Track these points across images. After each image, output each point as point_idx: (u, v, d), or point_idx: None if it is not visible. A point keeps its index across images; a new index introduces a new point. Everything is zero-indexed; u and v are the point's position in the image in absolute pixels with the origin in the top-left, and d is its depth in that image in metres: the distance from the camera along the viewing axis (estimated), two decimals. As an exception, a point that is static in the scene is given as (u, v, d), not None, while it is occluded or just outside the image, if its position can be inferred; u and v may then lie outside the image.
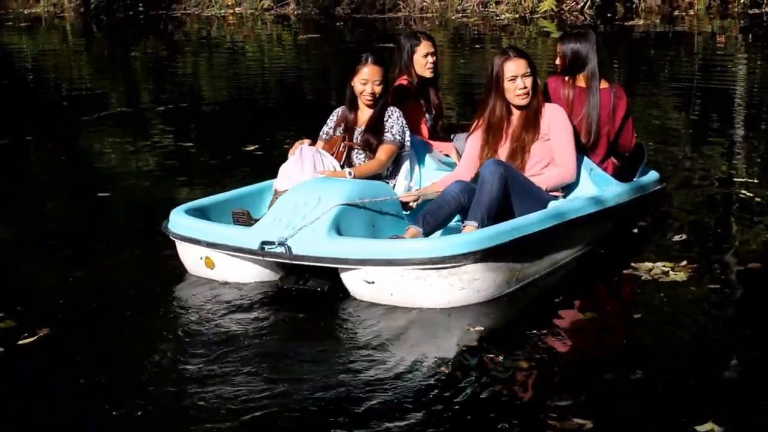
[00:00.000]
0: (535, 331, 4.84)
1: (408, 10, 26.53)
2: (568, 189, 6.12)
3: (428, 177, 6.46)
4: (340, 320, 5.10)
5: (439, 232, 5.67)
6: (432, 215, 5.55)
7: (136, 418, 4.01)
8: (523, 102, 5.96)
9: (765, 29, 20.79)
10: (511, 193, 5.64)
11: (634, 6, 24.44)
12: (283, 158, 6.12)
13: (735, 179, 7.96)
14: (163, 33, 25.03)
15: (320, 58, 19.31)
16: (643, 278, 5.59)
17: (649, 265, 5.76)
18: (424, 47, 6.82)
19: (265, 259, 5.34)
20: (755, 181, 7.85)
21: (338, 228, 5.30)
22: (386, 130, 6.20)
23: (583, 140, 6.30)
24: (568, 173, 5.99)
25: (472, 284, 5.17)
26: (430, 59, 6.86)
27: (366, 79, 6.17)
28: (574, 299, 5.41)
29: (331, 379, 4.34)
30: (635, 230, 6.50)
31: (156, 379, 4.37)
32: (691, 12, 23.83)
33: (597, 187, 6.15)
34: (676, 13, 23.96)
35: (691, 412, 3.91)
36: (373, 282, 5.15)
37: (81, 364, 4.58)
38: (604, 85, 6.41)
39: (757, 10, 23.40)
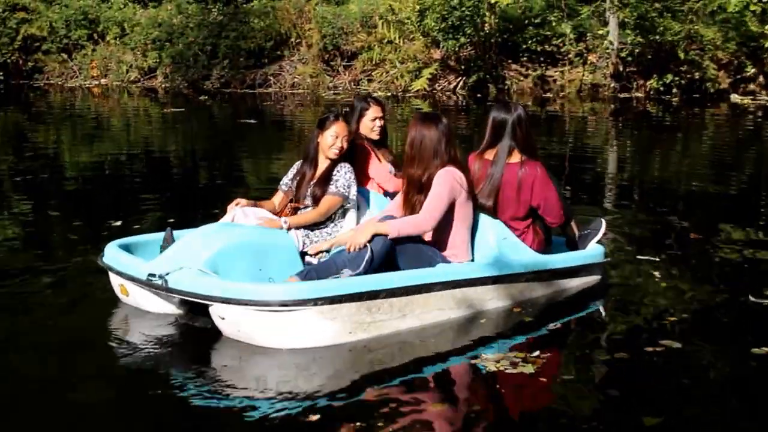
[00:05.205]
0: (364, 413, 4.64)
1: (279, 86, 26.30)
2: (474, 253, 6.21)
3: None
4: (200, 351, 5.56)
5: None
6: (317, 273, 5.81)
7: None
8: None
9: (634, 114, 21.10)
10: (399, 262, 5.96)
11: (506, 88, 24.66)
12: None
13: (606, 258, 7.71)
14: (24, 103, 24.14)
15: (185, 133, 18.72)
16: (488, 369, 5.24)
17: (500, 354, 5.44)
18: (373, 111, 7.19)
19: (151, 289, 5.78)
20: (631, 259, 7.66)
21: (216, 268, 5.69)
22: (332, 183, 6.48)
23: (488, 206, 6.37)
24: (422, 223, 5.99)
25: (308, 329, 5.44)
26: (378, 123, 7.22)
27: (338, 134, 6.51)
28: (411, 379, 5.18)
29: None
30: (482, 320, 6.06)
31: None
32: (563, 95, 24.14)
33: (502, 255, 6.19)
34: (548, 95, 24.25)
35: None
36: (224, 318, 5.52)
37: None
38: (515, 159, 6.35)
39: (627, 95, 23.83)
